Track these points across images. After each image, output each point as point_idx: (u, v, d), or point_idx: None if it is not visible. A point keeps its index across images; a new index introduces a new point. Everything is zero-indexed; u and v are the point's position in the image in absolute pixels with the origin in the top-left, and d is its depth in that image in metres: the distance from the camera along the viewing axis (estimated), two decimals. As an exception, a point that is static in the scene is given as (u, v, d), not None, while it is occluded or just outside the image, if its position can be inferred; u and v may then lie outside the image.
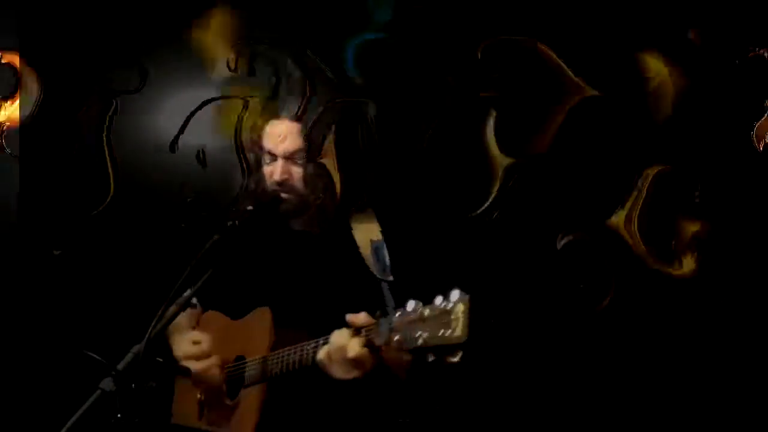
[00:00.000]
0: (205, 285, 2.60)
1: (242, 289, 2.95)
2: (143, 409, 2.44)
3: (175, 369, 2.84)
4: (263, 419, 2.76)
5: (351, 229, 2.86)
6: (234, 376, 2.89)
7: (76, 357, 3.06)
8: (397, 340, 2.31)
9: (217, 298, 2.99)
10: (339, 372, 2.55)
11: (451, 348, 2.22)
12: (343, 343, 2.51)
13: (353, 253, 2.82)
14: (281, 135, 2.87)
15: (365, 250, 2.79)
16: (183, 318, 2.92)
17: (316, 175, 2.83)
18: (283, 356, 2.72)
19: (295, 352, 2.68)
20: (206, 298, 3.01)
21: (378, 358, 2.51)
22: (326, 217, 2.85)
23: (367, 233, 2.82)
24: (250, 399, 2.81)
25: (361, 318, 2.52)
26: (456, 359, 2.24)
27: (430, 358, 2.26)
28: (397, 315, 2.34)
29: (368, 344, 2.48)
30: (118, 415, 2.36)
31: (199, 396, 2.96)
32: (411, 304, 2.31)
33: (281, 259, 2.93)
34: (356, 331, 2.51)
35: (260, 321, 2.83)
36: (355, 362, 2.51)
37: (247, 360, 2.85)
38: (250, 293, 2.92)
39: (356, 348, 2.49)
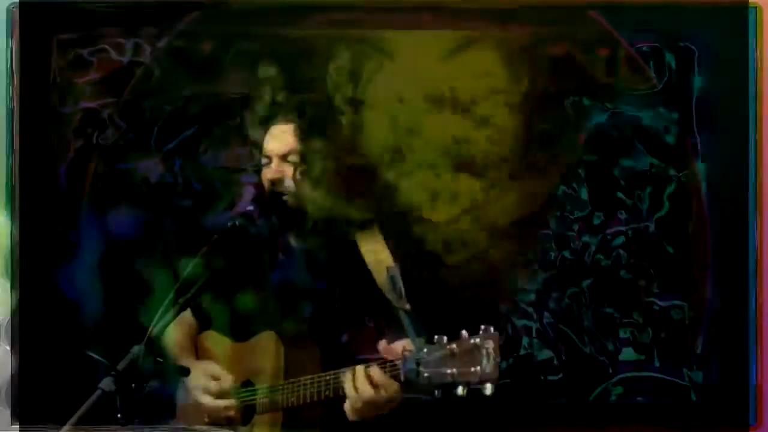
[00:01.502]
0: (205, 291, 2.61)
1: (245, 310, 2.94)
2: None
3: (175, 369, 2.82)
4: None
5: (357, 246, 2.86)
6: (245, 402, 2.87)
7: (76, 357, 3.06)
8: (427, 376, 2.31)
9: (219, 319, 2.98)
10: (367, 407, 2.57)
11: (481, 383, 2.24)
12: (370, 380, 2.54)
13: (356, 268, 2.83)
14: (276, 137, 2.92)
15: (379, 277, 2.78)
16: (180, 333, 2.92)
17: (307, 174, 2.86)
18: (300, 386, 2.71)
19: (313, 384, 2.68)
20: (208, 318, 3.00)
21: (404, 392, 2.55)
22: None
23: (379, 258, 2.82)
24: (267, 426, 2.81)
25: (389, 351, 2.54)
26: (488, 392, 2.24)
27: (459, 392, 2.26)
28: (425, 351, 2.33)
29: (396, 379, 2.51)
30: (118, 415, 2.36)
31: (206, 420, 2.95)
32: (439, 339, 2.31)
33: (282, 276, 2.93)
34: (381, 364, 2.53)
35: (268, 345, 2.83)
36: (385, 399, 2.55)
37: (257, 387, 2.84)
38: (253, 314, 2.92)
39: (386, 385, 2.53)
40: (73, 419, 2.34)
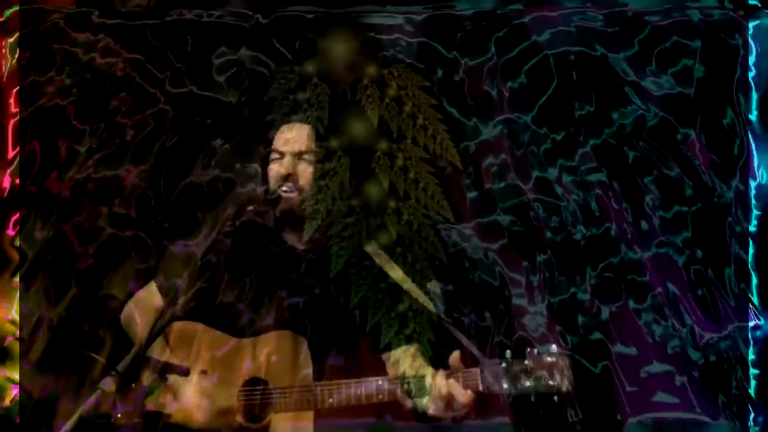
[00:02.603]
0: (205, 293, 2.60)
1: (247, 306, 2.89)
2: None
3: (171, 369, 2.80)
4: None
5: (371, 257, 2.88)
6: (254, 401, 2.81)
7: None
8: (505, 387, 2.58)
9: (217, 314, 2.91)
10: (443, 413, 2.64)
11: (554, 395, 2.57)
12: (453, 392, 2.62)
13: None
14: (293, 135, 2.93)
15: (417, 293, 2.85)
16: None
17: (324, 175, 2.89)
18: (343, 389, 2.72)
19: (361, 387, 2.71)
20: (208, 313, 2.94)
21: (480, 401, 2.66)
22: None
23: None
24: (289, 425, 2.78)
25: (459, 361, 2.64)
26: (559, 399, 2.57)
27: (533, 399, 2.57)
28: (503, 365, 2.58)
29: (472, 389, 2.62)
30: (118, 415, 2.36)
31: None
32: (509, 353, 2.59)
33: (287, 277, 2.91)
34: (455, 375, 2.63)
35: (289, 346, 2.80)
36: (464, 406, 2.62)
37: (273, 386, 2.79)
38: (257, 310, 2.88)
39: (464, 394, 2.62)
40: (73, 419, 2.33)
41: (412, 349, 2.83)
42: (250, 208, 2.85)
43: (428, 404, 2.63)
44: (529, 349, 2.56)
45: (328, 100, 2.99)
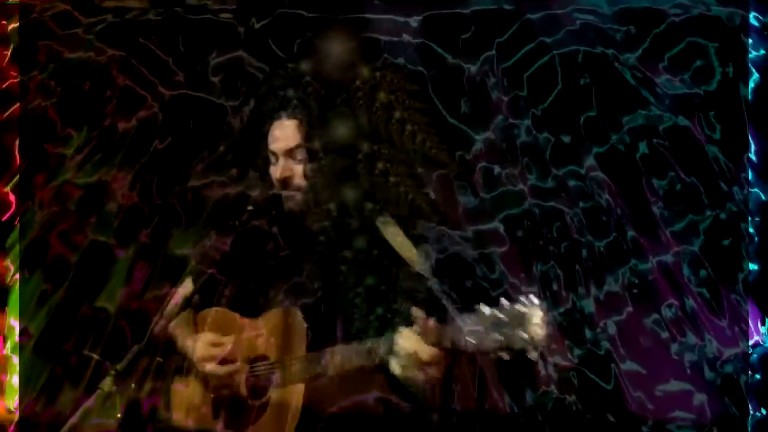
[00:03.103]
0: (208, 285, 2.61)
1: (255, 287, 2.90)
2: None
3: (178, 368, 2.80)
4: (304, 419, 2.71)
5: (377, 231, 2.84)
6: (259, 377, 2.83)
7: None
8: (474, 343, 2.36)
9: (227, 295, 2.94)
10: (414, 376, 2.53)
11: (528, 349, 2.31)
12: (416, 348, 2.50)
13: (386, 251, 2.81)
14: (281, 133, 2.88)
15: (409, 256, 2.76)
16: (182, 319, 2.91)
17: (317, 171, 2.84)
18: (331, 358, 2.67)
19: (349, 355, 2.64)
20: (216, 295, 2.95)
21: (450, 360, 2.53)
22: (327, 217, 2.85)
23: (399, 240, 2.80)
24: (286, 399, 2.75)
25: (428, 321, 2.51)
26: (533, 357, 2.31)
27: (506, 357, 2.32)
28: (470, 318, 2.37)
29: (441, 348, 2.48)
30: (118, 415, 2.36)
31: (212, 396, 2.95)
32: (483, 308, 2.35)
33: (296, 256, 2.89)
34: (423, 334, 2.50)
35: (286, 321, 2.78)
36: (432, 365, 2.51)
37: (273, 361, 2.80)
38: (264, 290, 2.89)
39: (429, 352, 2.49)
40: (73, 419, 2.34)
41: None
42: (250, 208, 2.85)
43: (395, 365, 2.52)
44: (502, 300, 2.34)
45: (319, 99, 2.97)
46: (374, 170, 2.87)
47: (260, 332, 2.83)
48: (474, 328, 2.35)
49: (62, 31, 3.51)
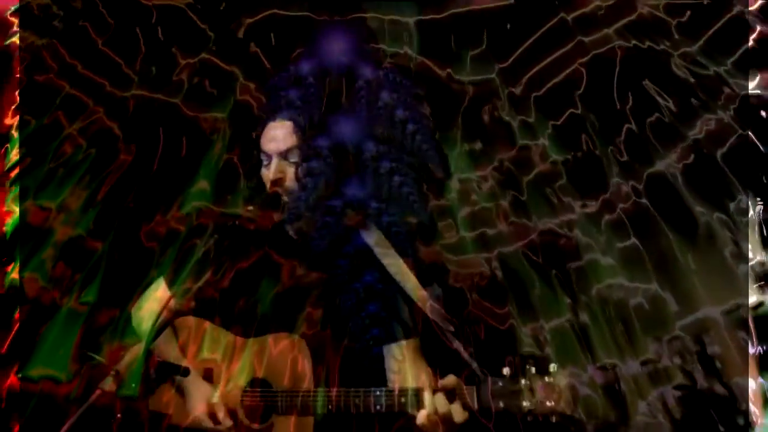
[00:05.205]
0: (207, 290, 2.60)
1: (254, 306, 2.87)
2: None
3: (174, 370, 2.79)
4: None
5: (375, 256, 2.84)
6: (261, 402, 2.80)
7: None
8: (502, 406, 2.54)
9: (226, 314, 2.90)
10: (433, 428, 2.60)
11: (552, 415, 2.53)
12: (450, 409, 2.58)
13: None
14: (275, 134, 2.86)
15: (416, 294, 2.80)
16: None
17: (309, 174, 2.81)
18: (342, 398, 2.69)
19: (359, 397, 2.68)
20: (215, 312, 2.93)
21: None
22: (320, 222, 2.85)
23: (403, 271, 2.82)
24: (290, 426, 2.76)
25: (453, 382, 2.60)
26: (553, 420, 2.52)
27: (529, 419, 2.52)
28: (499, 384, 2.55)
29: (466, 408, 2.59)
30: (118, 415, 2.37)
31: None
32: (507, 371, 2.55)
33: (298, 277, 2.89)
34: (450, 394, 2.59)
35: (291, 350, 2.76)
36: (459, 426, 2.59)
37: (278, 390, 2.77)
38: (261, 310, 2.86)
39: (462, 415, 2.58)
40: (73, 419, 2.34)
41: (411, 343, 2.81)
42: (250, 208, 2.85)
43: (422, 418, 2.59)
44: (527, 368, 2.52)
45: (320, 99, 2.96)
46: (374, 172, 2.88)
47: (256, 354, 2.79)
48: (502, 392, 2.53)
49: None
